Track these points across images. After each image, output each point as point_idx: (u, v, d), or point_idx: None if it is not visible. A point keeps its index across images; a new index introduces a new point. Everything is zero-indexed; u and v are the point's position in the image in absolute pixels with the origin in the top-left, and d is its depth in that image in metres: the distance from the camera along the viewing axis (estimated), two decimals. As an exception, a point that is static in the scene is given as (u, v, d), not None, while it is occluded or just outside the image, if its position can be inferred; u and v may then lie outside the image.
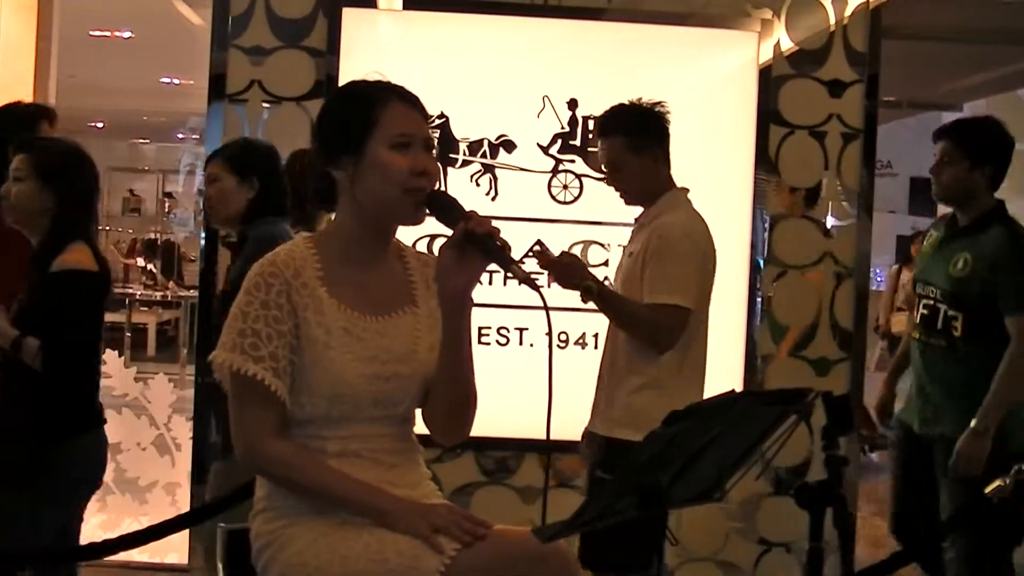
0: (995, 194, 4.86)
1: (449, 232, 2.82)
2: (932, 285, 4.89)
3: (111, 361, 6.14)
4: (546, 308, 2.75)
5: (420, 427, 3.08)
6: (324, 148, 2.98)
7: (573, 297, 4.33)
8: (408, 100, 2.96)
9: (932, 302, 4.89)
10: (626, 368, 4.43)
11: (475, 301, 2.89)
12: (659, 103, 4.49)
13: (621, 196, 4.57)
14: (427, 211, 2.89)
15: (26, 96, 6.78)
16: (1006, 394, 4.68)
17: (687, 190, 4.55)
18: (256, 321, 2.85)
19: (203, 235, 5.77)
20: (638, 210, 4.53)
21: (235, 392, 2.91)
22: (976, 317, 4.76)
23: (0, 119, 5.09)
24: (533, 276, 2.81)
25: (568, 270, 4.39)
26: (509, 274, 2.82)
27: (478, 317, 4.26)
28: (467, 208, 2.84)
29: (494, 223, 2.79)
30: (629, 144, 4.44)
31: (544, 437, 2.75)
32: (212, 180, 4.76)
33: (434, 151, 2.97)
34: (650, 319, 4.31)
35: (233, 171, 4.70)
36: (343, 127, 2.93)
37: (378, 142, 2.87)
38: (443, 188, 5.37)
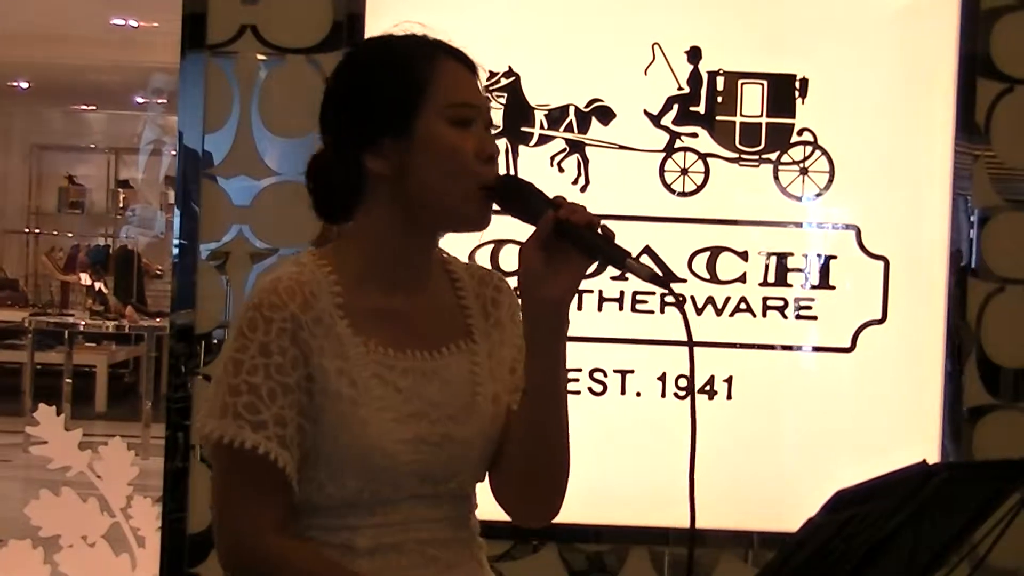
0: None
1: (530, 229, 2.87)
2: None
3: (45, 421, 6.09)
4: (686, 323, 2.72)
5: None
6: (351, 127, 2.98)
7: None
8: (463, 60, 3.00)
9: None
10: None
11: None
12: None
13: None
14: (495, 205, 2.93)
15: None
16: None
17: None
18: (253, 373, 2.86)
19: (176, 240, 5.69)
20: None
21: (224, 468, 2.95)
22: None
23: None
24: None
25: None
26: (626, 273, 2.82)
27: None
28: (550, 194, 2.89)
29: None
30: None
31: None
32: None
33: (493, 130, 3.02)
34: None
35: None
36: (379, 98, 2.95)
37: (430, 116, 2.91)
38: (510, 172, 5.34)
